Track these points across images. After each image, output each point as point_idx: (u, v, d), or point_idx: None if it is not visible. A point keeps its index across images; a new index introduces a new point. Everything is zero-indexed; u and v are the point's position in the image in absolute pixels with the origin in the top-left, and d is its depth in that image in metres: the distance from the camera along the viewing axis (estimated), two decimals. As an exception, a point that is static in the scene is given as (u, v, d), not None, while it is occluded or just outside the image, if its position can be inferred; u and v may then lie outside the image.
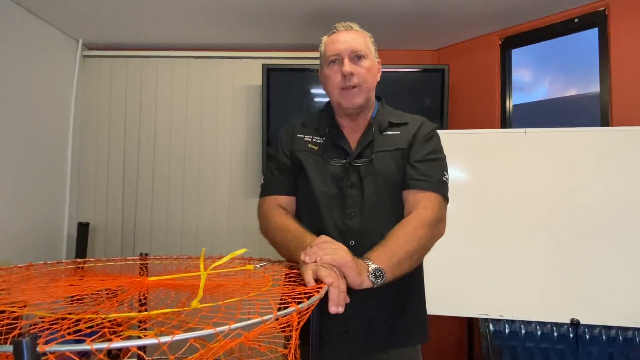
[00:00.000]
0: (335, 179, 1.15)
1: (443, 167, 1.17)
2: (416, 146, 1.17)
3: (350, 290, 0.85)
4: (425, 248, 1.06)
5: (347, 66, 1.14)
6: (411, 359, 1.18)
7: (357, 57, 1.15)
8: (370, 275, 0.90)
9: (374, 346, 1.13)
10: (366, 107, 1.20)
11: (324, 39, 1.22)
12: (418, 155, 1.16)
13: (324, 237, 0.95)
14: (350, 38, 1.16)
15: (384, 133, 1.19)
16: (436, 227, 1.08)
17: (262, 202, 1.22)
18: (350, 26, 1.20)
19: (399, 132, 1.19)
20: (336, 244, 0.92)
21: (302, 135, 1.23)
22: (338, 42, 1.16)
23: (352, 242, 1.11)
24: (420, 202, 1.10)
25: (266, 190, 1.22)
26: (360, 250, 0.99)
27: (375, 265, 0.92)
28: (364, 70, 1.15)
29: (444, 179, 1.15)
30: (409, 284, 1.16)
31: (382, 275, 0.91)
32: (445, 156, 1.21)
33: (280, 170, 1.21)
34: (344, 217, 1.13)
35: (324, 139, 1.20)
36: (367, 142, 1.17)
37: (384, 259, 0.94)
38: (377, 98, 1.28)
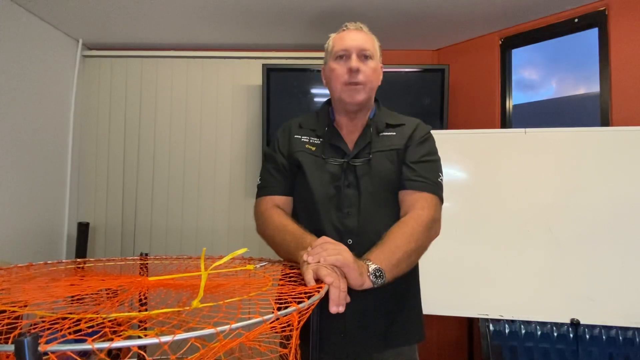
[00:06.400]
0: (332, 178, 1.16)
1: (438, 169, 1.19)
2: (412, 147, 1.18)
3: (349, 290, 0.85)
4: (423, 248, 1.07)
5: (355, 62, 1.15)
6: (408, 358, 1.18)
7: (364, 56, 1.17)
8: (371, 276, 0.91)
9: (371, 345, 1.14)
10: (366, 106, 1.21)
11: (332, 35, 1.24)
12: (414, 156, 1.17)
13: (325, 238, 0.95)
14: (360, 37, 1.18)
15: (381, 134, 1.20)
16: (432, 228, 1.10)
17: (259, 202, 1.22)
18: (361, 27, 1.21)
19: (395, 133, 1.20)
20: (339, 245, 0.92)
21: (300, 136, 1.23)
22: (348, 39, 1.18)
23: (349, 241, 1.11)
24: (417, 203, 1.11)
25: (263, 190, 1.22)
26: (358, 249, 1.00)
27: (375, 266, 0.92)
28: (370, 70, 1.17)
29: (439, 180, 1.17)
30: (406, 283, 1.17)
31: (382, 276, 0.92)
32: (439, 158, 1.23)
33: (278, 170, 1.22)
34: (341, 217, 1.14)
35: (321, 139, 1.21)
36: (365, 143, 1.18)
37: (384, 259, 0.95)
38: (374, 100, 1.28)
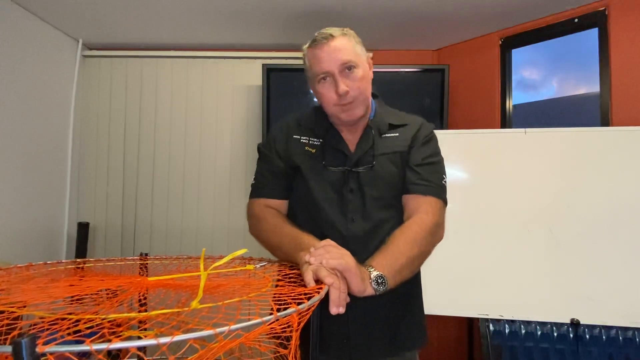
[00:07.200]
0: (334, 184, 1.13)
1: (442, 170, 1.16)
2: (416, 149, 1.15)
3: (351, 295, 0.84)
4: (426, 253, 1.04)
5: (342, 86, 1.06)
6: None
7: (347, 68, 1.08)
8: (373, 283, 0.89)
9: (375, 351, 1.12)
10: (365, 113, 1.17)
11: (305, 49, 1.14)
12: (418, 158, 1.14)
13: (329, 241, 0.92)
14: (335, 49, 1.07)
15: (383, 135, 1.16)
16: (436, 233, 1.07)
17: (252, 203, 1.18)
18: (331, 34, 1.08)
19: (397, 134, 1.17)
20: (342, 249, 0.90)
21: (298, 137, 1.18)
22: (323, 59, 1.08)
23: (354, 247, 1.09)
24: (421, 207, 1.08)
25: (258, 191, 1.18)
26: (362, 255, 0.97)
27: (378, 272, 0.90)
28: (358, 81, 1.09)
29: (443, 182, 1.14)
30: (409, 288, 1.14)
31: (385, 283, 0.90)
32: (442, 158, 1.19)
33: (273, 173, 1.17)
34: (345, 222, 1.11)
35: (321, 140, 1.16)
36: (367, 147, 1.14)
37: (386, 266, 0.92)
38: (374, 96, 1.22)
